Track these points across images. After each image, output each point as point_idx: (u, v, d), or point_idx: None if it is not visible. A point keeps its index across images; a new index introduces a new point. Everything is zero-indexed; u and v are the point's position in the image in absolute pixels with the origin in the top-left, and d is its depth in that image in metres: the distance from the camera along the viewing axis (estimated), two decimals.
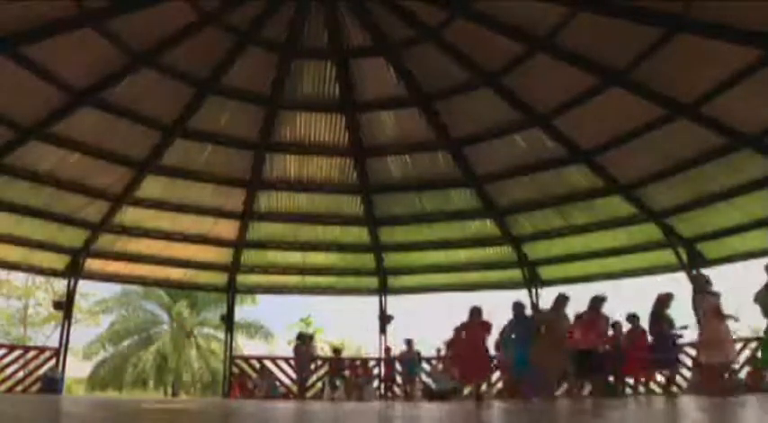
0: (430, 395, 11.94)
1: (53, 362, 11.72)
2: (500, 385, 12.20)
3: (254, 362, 13.72)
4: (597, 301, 8.73)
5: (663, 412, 4.62)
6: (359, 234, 13.28)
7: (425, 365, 12.78)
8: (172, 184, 11.79)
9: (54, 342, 13.47)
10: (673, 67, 8.41)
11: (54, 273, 12.91)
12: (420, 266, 13.90)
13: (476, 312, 9.23)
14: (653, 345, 8.66)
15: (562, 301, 8.68)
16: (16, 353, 12.11)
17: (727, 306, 7.73)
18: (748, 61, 7.83)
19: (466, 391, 12.27)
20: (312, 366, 12.73)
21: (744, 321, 8.95)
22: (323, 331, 30.93)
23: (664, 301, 8.40)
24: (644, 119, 9.44)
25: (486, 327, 9.25)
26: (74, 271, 12.34)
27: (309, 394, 12.69)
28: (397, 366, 12.68)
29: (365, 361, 13.77)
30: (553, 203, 11.80)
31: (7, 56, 8.37)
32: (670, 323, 8.40)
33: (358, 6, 9.27)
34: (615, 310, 9.92)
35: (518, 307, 9.27)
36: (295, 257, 13.71)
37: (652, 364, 8.96)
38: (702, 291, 7.64)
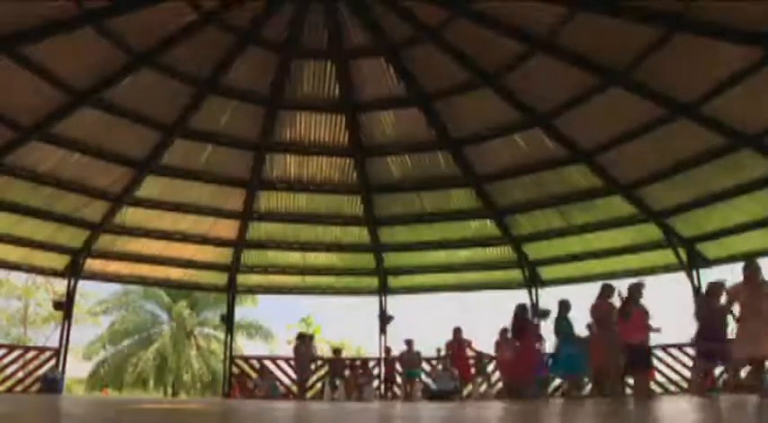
0: (430, 395, 11.93)
1: (53, 362, 11.72)
2: (500, 385, 12.22)
3: (254, 362, 13.72)
4: (635, 291, 8.16)
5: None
6: (359, 234, 13.28)
7: (425, 365, 12.78)
8: (172, 184, 11.79)
9: (54, 342, 13.49)
10: (673, 67, 8.41)
11: (54, 273, 12.90)
12: (420, 266, 13.90)
13: (525, 311, 9.30)
14: (703, 335, 7.95)
15: (608, 291, 8.36)
16: (16, 353, 12.12)
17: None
18: (748, 61, 7.83)
19: (466, 391, 12.30)
20: (312, 366, 12.73)
21: None
22: (320, 331, 30.97)
23: (713, 291, 7.81)
24: (644, 119, 9.44)
25: (536, 327, 9.33)
26: (74, 271, 12.34)
27: (309, 394, 12.69)
28: (397, 366, 12.68)
29: (365, 361, 13.76)
30: (553, 203, 11.80)
31: (7, 56, 8.37)
32: (723, 315, 7.61)
33: (358, 6, 9.27)
34: None
35: (563, 305, 9.13)
36: (295, 257, 13.71)
37: (701, 355, 8.58)
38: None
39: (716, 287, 7.76)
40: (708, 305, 7.77)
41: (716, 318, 7.60)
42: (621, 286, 8.47)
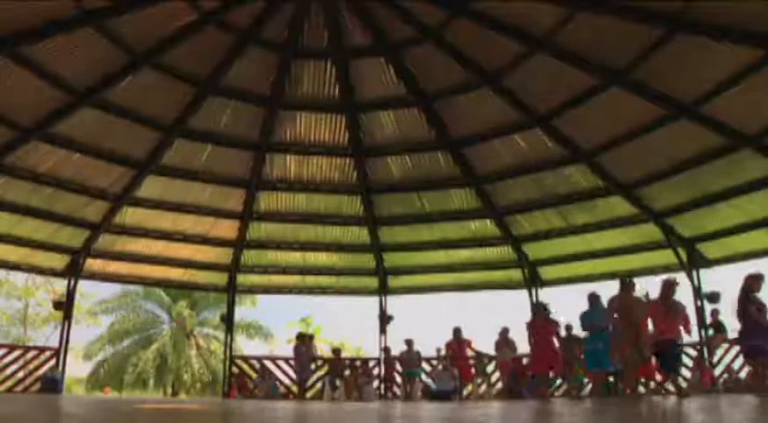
0: (430, 395, 11.94)
1: (53, 362, 11.71)
2: (500, 385, 12.23)
3: (254, 362, 13.73)
4: (668, 286, 7.96)
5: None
6: (359, 234, 13.29)
7: (425, 365, 12.78)
8: (172, 184, 11.79)
9: (54, 342, 13.48)
10: (673, 67, 8.42)
11: (54, 273, 12.90)
12: (420, 266, 13.90)
13: (541, 308, 9.22)
14: (741, 333, 7.76)
15: (630, 284, 8.07)
16: (16, 353, 12.11)
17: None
18: (748, 61, 7.83)
19: (466, 391, 12.30)
20: (312, 366, 12.73)
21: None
22: (320, 331, 30.97)
23: (751, 283, 7.52)
24: (644, 119, 9.44)
25: (554, 322, 9.26)
26: (74, 271, 12.34)
27: (309, 394, 12.69)
28: (397, 366, 12.68)
29: (365, 361, 13.76)
30: (553, 203, 11.80)
31: (7, 56, 8.37)
32: (760, 307, 7.39)
33: (358, 6, 9.27)
34: None
35: (593, 297, 9.00)
36: (295, 257, 13.71)
37: (745, 355, 8.19)
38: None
39: (756, 280, 7.51)
40: (746, 300, 7.46)
41: (756, 313, 7.36)
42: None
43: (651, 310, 7.68)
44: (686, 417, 4.09)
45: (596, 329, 8.63)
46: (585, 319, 8.85)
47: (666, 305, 7.66)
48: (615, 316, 8.00)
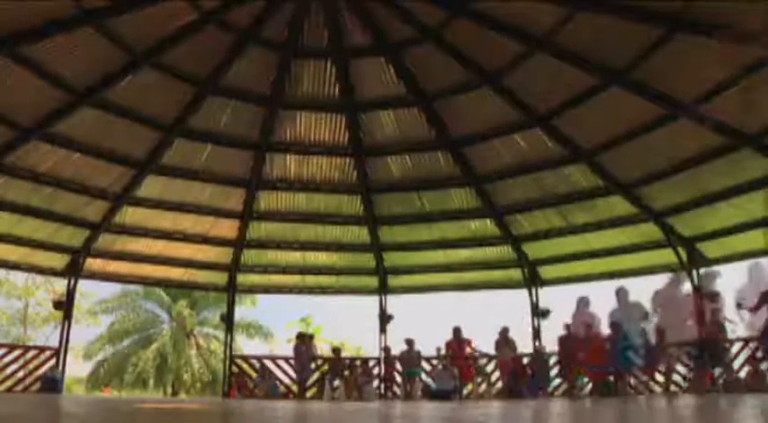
0: (430, 395, 11.94)
1: (53, 362, 11.71)
2: (500, 385, 12.24)
3: (254, 362, 13.73)
4: (709, 280, 7.70)
5: None
6: (359, 234, 13.29)
7: (425, 365, 12.78)
8: (172, 184, 11.79)
9: (54, 342, 13.47)
10: (673, 67, 8.42)
11: (54, 273, 12.91)
12: (420, 266, 13.90)
13: (583, 303, 9.14)
14: (763, 332, 7.70)
15: (679, 279, 7.91)
16: (16, 353, 12.11)
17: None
18: (748, 61, 7.83)
19: (466, 390, 12.31)
20: (312, 366, 12.73)
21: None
22: (320, 331, 30.97)
23: None
24: (644, 119, 9.44)
25: (595, 317, 9.16)
26: (74, 271, 12.34)
27: (309, 394, 12.69)
28: (397, 366, 12.68)
29: (365, 361, 13.76)
30: (553, 203, 11.80)
31: (7, 56, 8.37)
32: None
33: (358, 6, 9.27)
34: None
35: (621, 292, 8.83)
36: (295, 257, 13.72)
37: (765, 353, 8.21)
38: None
39: None
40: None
41: None
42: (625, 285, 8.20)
43: (696, 305, 7.38)
44: (691, 416, 4.09)
45: (633, 326, 8.42)
46: (615, 315, 8.73)
47: (709, 298, 7.41)
48: (659, 310, 7.74)
